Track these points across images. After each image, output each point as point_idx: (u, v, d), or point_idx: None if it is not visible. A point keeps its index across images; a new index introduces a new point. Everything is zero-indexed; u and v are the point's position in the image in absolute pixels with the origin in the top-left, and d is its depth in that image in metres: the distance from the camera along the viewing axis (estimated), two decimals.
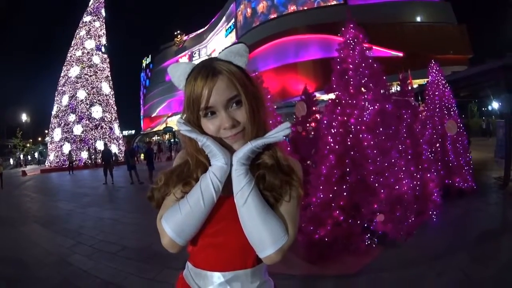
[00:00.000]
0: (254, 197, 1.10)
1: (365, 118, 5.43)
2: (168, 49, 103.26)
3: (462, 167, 8.89)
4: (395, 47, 45.61)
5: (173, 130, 49.37)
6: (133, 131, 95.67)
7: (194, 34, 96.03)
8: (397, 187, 5.33)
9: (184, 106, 1.18)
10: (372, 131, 5.37)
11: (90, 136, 32.79)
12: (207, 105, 1.09)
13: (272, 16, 59.31)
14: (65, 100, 33.63)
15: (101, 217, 9.21)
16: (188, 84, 1.13)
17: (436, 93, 9.57)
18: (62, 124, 32.91)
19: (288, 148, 6.21)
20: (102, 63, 36.44)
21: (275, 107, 6.70)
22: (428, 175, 6.95)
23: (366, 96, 5.56)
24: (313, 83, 41.36)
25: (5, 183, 19.65)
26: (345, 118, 5.58)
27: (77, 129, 32.57)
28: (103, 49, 37.36)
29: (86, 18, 37.21)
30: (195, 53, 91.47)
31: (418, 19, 51.52)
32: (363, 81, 5.66)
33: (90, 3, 38.14)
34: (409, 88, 8.10)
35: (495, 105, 36.52)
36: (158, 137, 59.80)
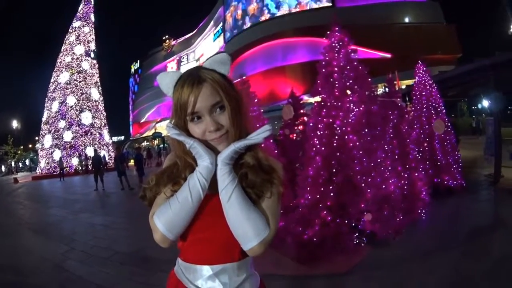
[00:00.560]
0: (238, 194, 1.19)
1: (350, 120, 5.53)
2: (156, 54, 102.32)
3: (451, 165, 9.00)
4: (383, 49, 45.67)
5: (162, 135, 49.09)
6: (122, 137, 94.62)
7: (182, 38, 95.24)
8: (383, 186, 5.41)
9: (172, 112, 1.27)
10: (357, 132, 5.46)
11: (80, 143, 32.56)
12: (193, 110, 1.19)
13: (264, 18, 59.04)
14: (55, 106, 33.40)
15: (93, 223, 9.23)
16: (175, 91, 1.23)
17: (423, 93, 9.67)
18: (53, 131, 32.66)
19: (276, 151, 6.28)
20: (91, 69, 36.22)
21: (261, 110, 6.73)
22: (416, 174, 7.05)
23: (351, 98, 5.66)
24: (301, 86, 41.40)
25: None
26: (331, 120, 5.68)
27: (67, 136, 32.35)
28: (92, 55, 37.16)
29: (76, 24, 36.97)
30: (183, 57, 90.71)
31: (406, 19, 51.43)
32: (348, 84, 5.77)
33: (80, 8, 37.87)
34: (396, 89, 8.20)
35: (485, 103, 36.82)
36: (148, 143, 59.47)
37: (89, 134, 33.35)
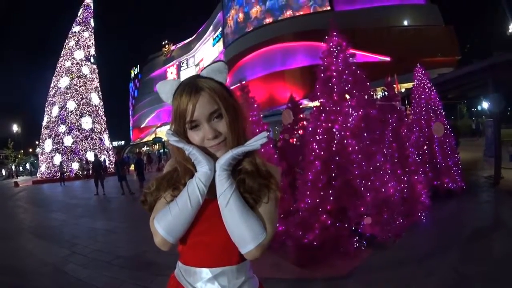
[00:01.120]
0: (235, 199, 1.23)
1: (349, 124, 5.56)
2: (156, 59, 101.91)
3: (451, 168, 9.01)
4: (382, 52, 45.56)
5: (163, 140, 48.97)
6: (122, 142, 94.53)
7: (181, 43, 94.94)
8: (383, 190, 5.43)
9: (172, 119, 1.31)
10: (356, 137, 5.49)
11: (80, 147, 32.62)
12: (192, 118, 1.23)
13: (268, 20, 58.75)
14: (55, 111, 33.45)
15: (94, 227, 9.27)
16: (174, 100, 1.26)
17: (422, 96, 9.68)
18: (53, 135, 32.72)
19: (276, 156, 6.29)
20: (91, 74, 36.29)
21: (261, 115, 6.74)
22: (416, 177, 7.07)
23: (350, 103, 5.69)
24: (300, 91, 41.28)
25: None
26: (330, 125, 5.71)
27: (68, 140, 32.41)
28: (92, 60, 37.23)
29: (75, 28, 37.04)
30: (183, 62, 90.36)
31: (405, 22, 51.17)
32: (346, 88, 5.81)
33: (79, 13, 37.96)
34: (395, 92, 8.22)
35: (484, 105, 36.81)
36: (148, 148, 59.42)
37: (89, 138, 33.42)
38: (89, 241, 7.63)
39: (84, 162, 31.69)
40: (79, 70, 35.20)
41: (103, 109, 36.74)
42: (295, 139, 8.13)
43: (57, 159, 31.54)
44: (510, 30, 30.35)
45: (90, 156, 30.88)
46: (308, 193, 5.42)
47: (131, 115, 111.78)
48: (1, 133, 62.20)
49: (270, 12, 58.56)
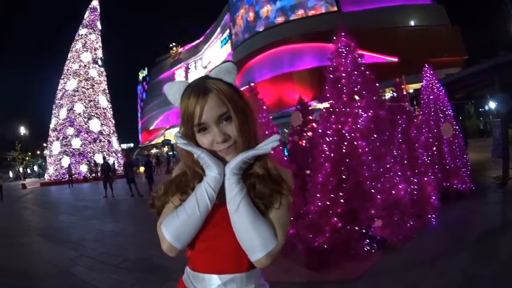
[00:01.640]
0: (245, 205, 1.19)
1: (359, 126, 5.50)
2: (164, 62, 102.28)
3: (460, 169, 8.90)
4: (390, 53, 45.48)
5: (172, 143, 49.28)
6: (131, 144, 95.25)
7: (189, 46, 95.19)
8: (393, 192, 5.37)
9: (180, 122, 1.27)
10: (366, 138, 5.43)
11: (88, 150, 32.84)
12: (200, 121, 1.19)
13: (279, 19, 58.61)
14: (63, 113, 33.72)
15: (103, 229, 9.28)
16: (182, 102, 1.24)
17: (431, 96, 9.59)
18: (61, 138, 32.99)
19: (285, 158, 6.26)
20: (99, 76, 36.57)
21: (270, 117, 6.72)
22: (425, 178, 7.00)
23: (359, 104, 5.63)
24: (309, 92, 41.32)
25: (5, 196, 19.79)
26: (339, 126, 5.65)
27: (76, 143, 32.63)
28: (99, 62, 37.45)
29: (82, 31, 37.35)
30: (190, 65, 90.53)
31: (412, 23, 51.11)
32: (356, 89, 5.74)
33: (86, 15, 38.23)
34: (404, 93, 8.17)
35: (492, 105, 36.57)
36: (157, 150, 59.54)
37: (97, 141, 33.65)
38: (97, 243, 7.63)
39: (92, 164, 31.81)
40: (86, 73, 35.51)
41: (111, 112, 37.00)
42: (304, 141, 8.08)
43: (65, 161, 31.80)
44: None
45: (99, 159, 31.05)
46: (318, 195, 5.36)
47: (139, 117, 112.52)
48: (8, 136, 62.82)
49: (282, 11, 58.45)
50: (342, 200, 5.23)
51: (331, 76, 5.98)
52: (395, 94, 8.07)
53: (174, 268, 4.75)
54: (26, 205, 16.82)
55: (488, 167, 12.60)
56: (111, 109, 37.08)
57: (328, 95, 5.98)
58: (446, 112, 9.58)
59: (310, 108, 8.66)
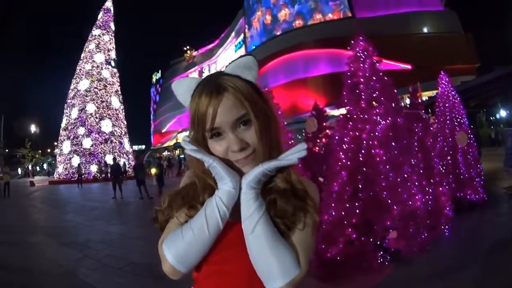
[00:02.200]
0: (264, 225, 1.00)
1: (377, 133, 5.34)
2: (178, 65, 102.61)
3: (473, 178, 8.75)
4: (403, 60, 45.29)
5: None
6: (143, 146, 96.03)
7: (204, 49, 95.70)
8: (410, 202, 5.22)
9: (189, 124, 1.10)
10: (384, 146, 5.27)
11: (99, 150, 32.97)
12: (213, 126, 1.02)
13: (297, 23, 58.64)
14: (74, 113, 33.93)
15: (109, 231, 9.16)
16: (192, 101, 1.06)
17: (447, 104, 9.47)
18: (72, 137, 33.17)
19: (300, 165, 6.11)
20: (111, 77, 36.77)
21: (285, 123, 6.62)
22: (440, 188, 6.83)
23: (378, 110, 5.47)
24: (323, 99, 41.21)
25: (13, 192, 19.87)
26: (357, 133, 5.48)
27: (87, 143, 32.79)
28: (112, 63, 37.66)
29: (95, 32, 37.60)
30: (204, 68, 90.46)
31: (425, 29, 51.13)
32: (374, 95, 5.58)
33: (99, 16, 38.52)
34: (419, 100, 8.03)
35: (503, 113, 36.31)
36: (169, 153, 59.75)
37: (109, 142, 33.76)
38: (103, 245, 7.52)
39: (102, 164, 31.89)
40: (99, 73, 35.71)
41: (123, 113, 37.16)
42: (318, 148, 7.93)
43: (75, 160, 31.92)
44: None
45: (110, 159, 31.14)
46: (332, 205, 5.19)
47: (152, 119, 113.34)
48: (19, 133, 63.60)
49: (300, 15, 58.49)
50: (357, 211, 5.06)
51: (349, 81, 5.82)
52: (408, 100, 7.93)
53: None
54: (33, 203, 16.89)
55: (500, 177, 12.39)
56: (123, 111, 37.27)
57: (345, 100, 5.81)
58: (461, 121, 9.45)
59: (325, 114, 8.52)
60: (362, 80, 5.63)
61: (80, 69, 36.05)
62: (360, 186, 5.22)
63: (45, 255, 6.92)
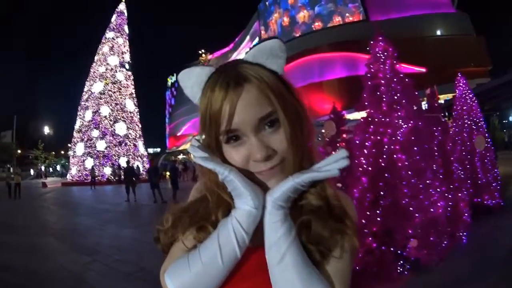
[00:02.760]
0: (294, 254, 0.76)
1: (398, 137, 5.16)
2: None
3: (490, 183, 8.65)
4: (417, 63, 44.77)
5: None
6: (158, 149, 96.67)
7: (218, 53, 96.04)
8: (432, 210, 5.05)
9: (200, 126, 0.87)
10: (406, 151, 5.08)
11: (113, 153, 33.16)
12: (230, 127, 0.78)
13: (317, 24, 58.48)
14: (88, 115, 34.21)
15: (120, 235, 9.06)
16: (203, 96, 0.83)
17: (464, 107, 9.36)
18: (85, 139, 33.43)
19: None
20: (126, 80, 37.05)
21: None
22: (459, 194, 6.65)
23: (399, 113, 5.28)
24: (338, 102, 41.04)
25: (24, 193, 20.13)
26: (378, 138, 5.29)
27: (101, 145, 33.01)
28: (127, 66, 37.88)
29: (109, 34, 37.88)
30: None
31: (438, 32, 50.93)
32: (395, 97, 5.39)
33: (113, 19, 38.81)
34: (439, 104, 7.90)
35: None
36: (184, 156, 59.99)
37: (123, 144, 33.89)
38: (113, 250, 7.43)
39: (116, 167, 32.00)
40: (113, 76, 35.97)
41: (138, 116, 37.38)
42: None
43: (89, 162, 32.16)
44: None
45: (124, 162, 31.29)
46: None
47: (167, 123, 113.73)
48: (32, 134, 64.55)
49: (319, 17, 58.35)
50: (378, 218, 4.86)
51: (370, 83, 5.62)
52: (433, 104, 7.78)
53: None
54: (43, 204, 17.02)
55: None
56: (138, 113, 37.51)
57: (366, 103, 5.60)
58: (479, 124, 9.38)
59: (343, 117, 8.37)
60: (382, 81, 5.44)
61: (94, 71, 36.36)
62: (382, 192, 5.02)
63: (53, 258, 6.84)
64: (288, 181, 0.79)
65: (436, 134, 6.47)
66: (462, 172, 7.68)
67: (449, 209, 5.99)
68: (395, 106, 5.36)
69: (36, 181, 39.38)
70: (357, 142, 5.53)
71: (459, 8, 54.12)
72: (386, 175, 5.06)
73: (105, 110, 34.10)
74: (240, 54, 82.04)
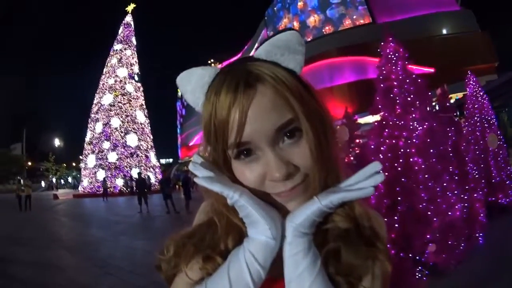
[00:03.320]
0: None
1: (414, 140, 5.04)
2: None
3: (504, 181, 8.60)
4: (425, 63, 44.47)
5: None
6: (170, 160, 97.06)
7: (227, 62, 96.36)
8: (449, 213, 4.93)
9: (203, 137, 0.72)
10: (423, 154, 4.96)
11: (125, 164, 33.26)
12: (240, 139, 0.63)
13: (327, 28, 58.34)
14: (98, 127, 34.45)
15: (133, 247, 8.93)
16: (207, 101, 0.68)
17: (476, 105, 9.27)
18: (96, 151, 33.62)
19: None
20: (135, 92, 37.30)
21: None
22: (475, 195, 6.52)
23: (414, 115, 5.17)
24: (349, 107, 40.94)
25: (35, 205, 20.18)
26: (394, 141, 5.17)
27: (112, 157, 33.16)
28: (136, 78, 38.11)
29: (117, 46, 38.22)
30: None
31: (444, 31, 50.58)
32: (409, 99, 5.26)
33: (120, 31, 39.09)
34: (451, 103, 7.81)
35: None
36: None
37: (135, 156, 34.05)
38: (125, 262, 7.34)
39: (128, 178, 32.09)
40: (122, 88, 36.16)
41: (149, 127, 37.55)
42: (351, 158, 7.67)
43: (101, 174, 32.25)
44: None
45: (135, 173, 31.36)
46: None
47: (179, 133, 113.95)
48: (42, 147, 65.29)
49: (330, 21, 58.24)
50: (396, 225, 4.73)
51: (382, 85, 5.50)
52: (446, 104, 7.69)
53: None
54: (54, 216, 17.03)
55: None
56: (148, 125, 37.71)
57: (379, 106, 5.46)
58: (491, 122, 9.33)
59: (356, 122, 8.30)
60: (395, 83, 5.32)
61: (103, 83, 36.67)
62: (399, 198, 4.88)
63: (63, 271, 6.76)
64: (313, 203, 0.65)
65: (450, 134, 6.36)
66: (476, 172, 7.57)
67: (465, 210, 5.88)
68: (409, 108, 5.24)
69: (47, 193, 39.64)
70: (372, 146, 5.38)
71: (463, 5, 53.81)
72: (402, 179, 4.94)
73: (115, 122, 34.33)
74: None
